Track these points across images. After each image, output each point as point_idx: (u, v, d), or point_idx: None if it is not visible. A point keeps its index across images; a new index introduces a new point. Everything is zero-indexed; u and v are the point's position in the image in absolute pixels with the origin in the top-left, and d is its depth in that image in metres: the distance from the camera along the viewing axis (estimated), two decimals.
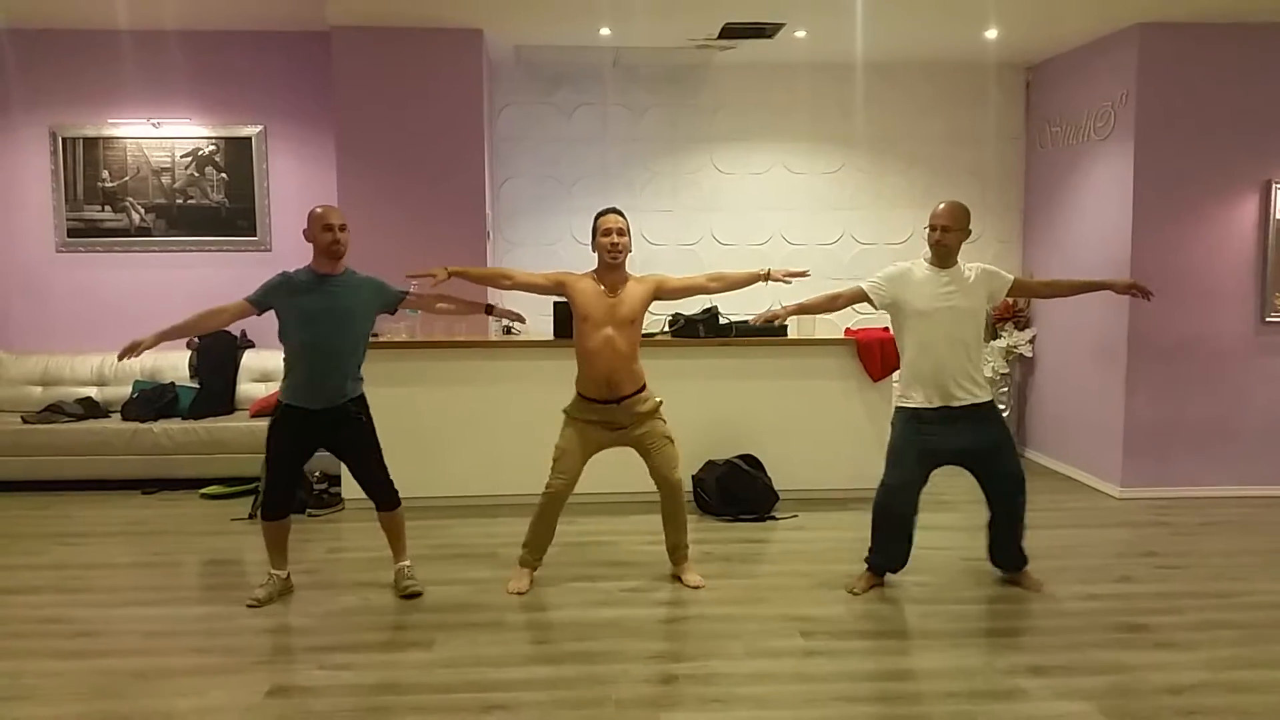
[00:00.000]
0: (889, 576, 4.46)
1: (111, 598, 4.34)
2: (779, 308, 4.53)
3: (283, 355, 4.23)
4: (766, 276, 4.53)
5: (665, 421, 4.42)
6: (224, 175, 6.93)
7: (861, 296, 4.35)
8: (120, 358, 4.01)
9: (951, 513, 5.49)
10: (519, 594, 4.31)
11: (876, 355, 5.86)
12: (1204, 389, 6.03)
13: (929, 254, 4.27)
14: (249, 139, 6.90)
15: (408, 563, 4.38)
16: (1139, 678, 3.48)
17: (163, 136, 6.86)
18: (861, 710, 3.23)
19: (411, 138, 6.26)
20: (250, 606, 4.13)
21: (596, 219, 4.36)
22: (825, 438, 5.91)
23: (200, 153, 6.90)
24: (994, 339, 7.16)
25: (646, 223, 7.17)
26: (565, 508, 4.35)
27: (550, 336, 5.84)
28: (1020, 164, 7.35)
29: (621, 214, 4.36)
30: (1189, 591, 4.40)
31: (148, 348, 4.01)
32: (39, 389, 6.59)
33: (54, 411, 6.30)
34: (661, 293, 4.45)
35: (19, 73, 6.74)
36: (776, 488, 5.68)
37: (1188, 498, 6.01)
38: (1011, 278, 4.36)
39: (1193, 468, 6.08)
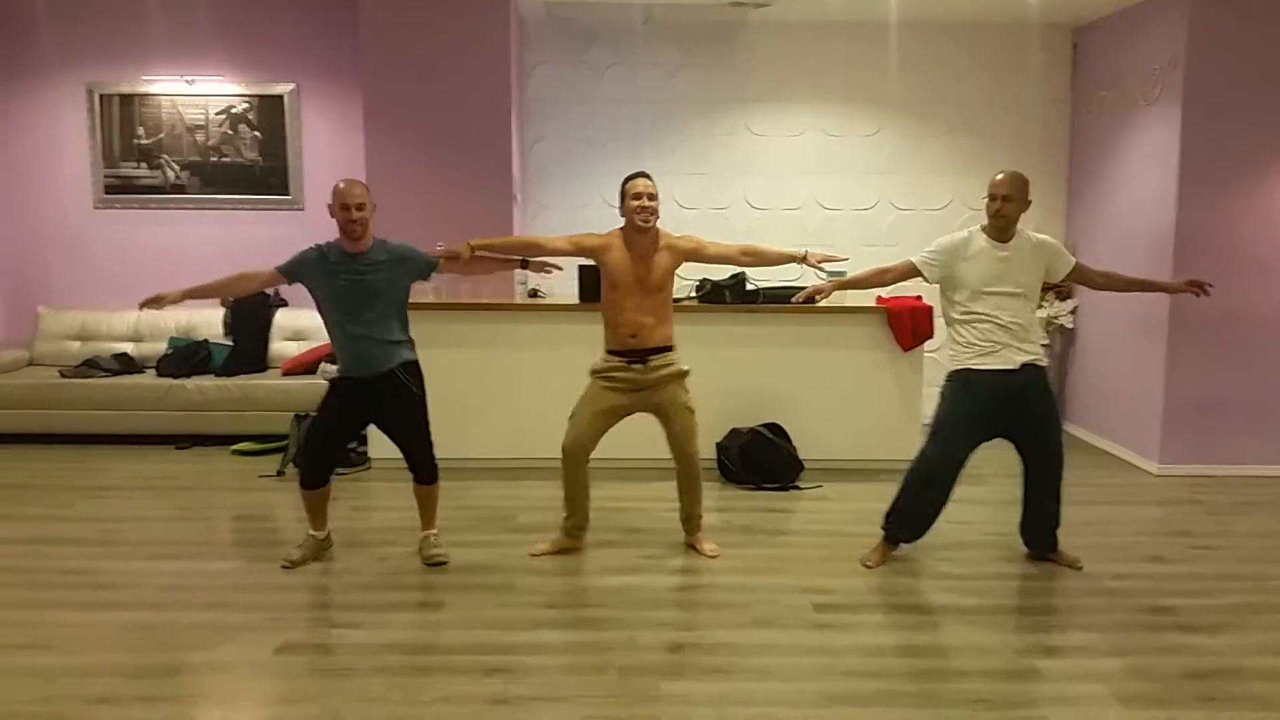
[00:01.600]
0: (911, 550, 4.39)
1: (136, 551, 4.42)
2: (823, 282, 4.43)
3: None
4: (803, 259, 4.40)
5: (689, 391, 4.35)
6: (257, 133, 6.95)
7: (913, 271, 4.22)
8: (141, 306, 4.06)
9: (979, 486, 5.38)
10: (533, 555, 4.33)
11: (907, 324, 5.75)
12: (1248, 364, 5.83)
13: (986, 224, 4.14)
14: (281, 97, 6.91)
15: (434, 531, 4.37)
16: (1159, 661, 3.39)
17: (197, 94, 6.90)
18: (867, 685, 3.18)
19: (439, 97, 6.20)
20: (284, 568, 4.16)
21: (625, 183, 4.28)
22: (853, 407, 5.82)
23: (234, 110, 6.93)
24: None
25: (678, 186, 7.07)
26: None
27: (576, 300, 5.78)
28: (1065, 129, 7.12)
29: (650, 178, 4.28)
30: (1220, 573, 4.28)
31: (171, 303, 4.05)
32: (77, 344, 6.73)
33: (90, 366, 6.40)
34: (694, 259, 4.41)
35: (55, 29, 6.80)
36: (802, 457, 5.62)
37: (1227, 476, 5.84)
38: (1074, 261, 4.23)
39: (1234, 445, 5.89)
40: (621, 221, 4.33)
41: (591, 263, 4.55)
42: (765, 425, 5.67)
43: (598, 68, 7.02)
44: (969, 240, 4.14)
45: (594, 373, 4.36)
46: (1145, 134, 6.11)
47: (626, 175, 4.32)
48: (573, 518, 4.41)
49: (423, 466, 4.29)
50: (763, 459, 5.50)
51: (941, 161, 7.12)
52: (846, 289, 4.52)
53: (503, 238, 4.57)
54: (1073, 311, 6.94)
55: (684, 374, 4.33)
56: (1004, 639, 3.56)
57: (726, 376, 5.73)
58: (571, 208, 7.06)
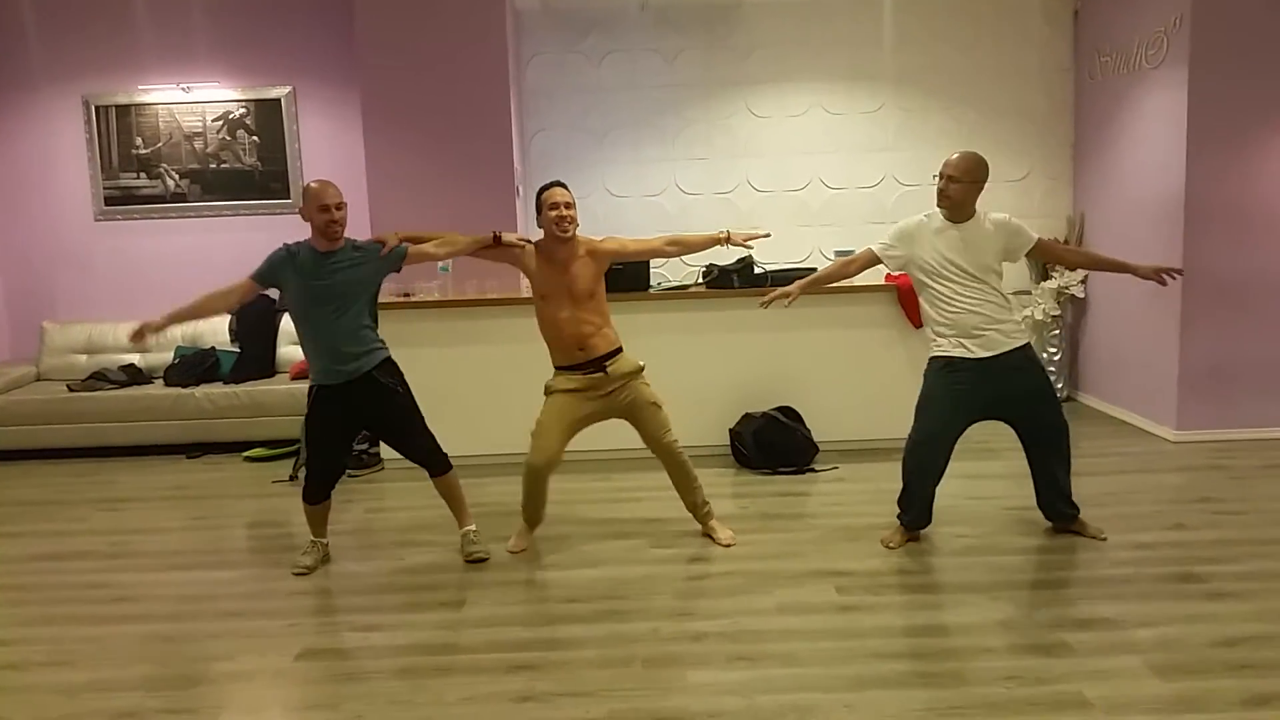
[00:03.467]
0: (931, 528, 4.35)
1: (152, 562, 4.39)
2: (792, 286, 4.36)
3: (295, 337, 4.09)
4: (726, 239, 4.36)
5: (650, 385, 4.30)
6: (255, 138, 6.92)
7: (874, 260, 4.18)
8: (130, 340, 3.97)
9: (995, 460, 5.34)
10: (513, 553, 4.32)
11: (917, 301, 5.67)
12: (1264, 326, 5.76)
13: (937, 205, 4.08)
14: (278, 100, 6.87)
15: (473, 527, 4.33)
16: (1189, 630, 3.34)
17: (193, 101, 6.86)
18: (895, 667, 3.15)
19: (437, 93, 6.16)
20: (298, 575, 4.14)
21: (540, 194, 4.20)
22: (866, 387, 5.77)
23: (231, 116, 6.89)
24: (1044, 280, 6.93)
25: (680, 172, 7.03)
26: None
27: None
28: (1069, 97, 7.05)
29: (566, 187, 4.22)
30: (1245, 539, 4.22)
31: (156, 330, 3.93)
32: (83, 357, 6.71)
33: (98, 379, 6.39)
34: (617, 260, 4.37)
35: (46, 43, 6.77)
36: (816, 439, 5.58)
37: (1247, 440, 5.78)
38: (1035, 238, 4.11)
39: (1252, 408, 5.83)
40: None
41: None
42: (778, 409, 5.63)
43: (595, 56, 6.97)
44: (925, 222, 4.09)
45: (551, 391, 4.26)
46: (1151, 97, 6.04)
47: (543, 185, 4.24)
48: (531, 517, 4.39)
49: (430, 459, 4.23)
50: (777, 443, 5.45)
51: (945, 136, 7.04)
52: (813, 287, 4.43)
53: (430, 232, 4.39)
54: (1083, 280, 6.88)
55: (641, 369, 4.29)
56: (1031, 614, 3.52)
57: (737, 361, 5.70)
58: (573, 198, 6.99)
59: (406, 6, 6.09)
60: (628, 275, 5.56)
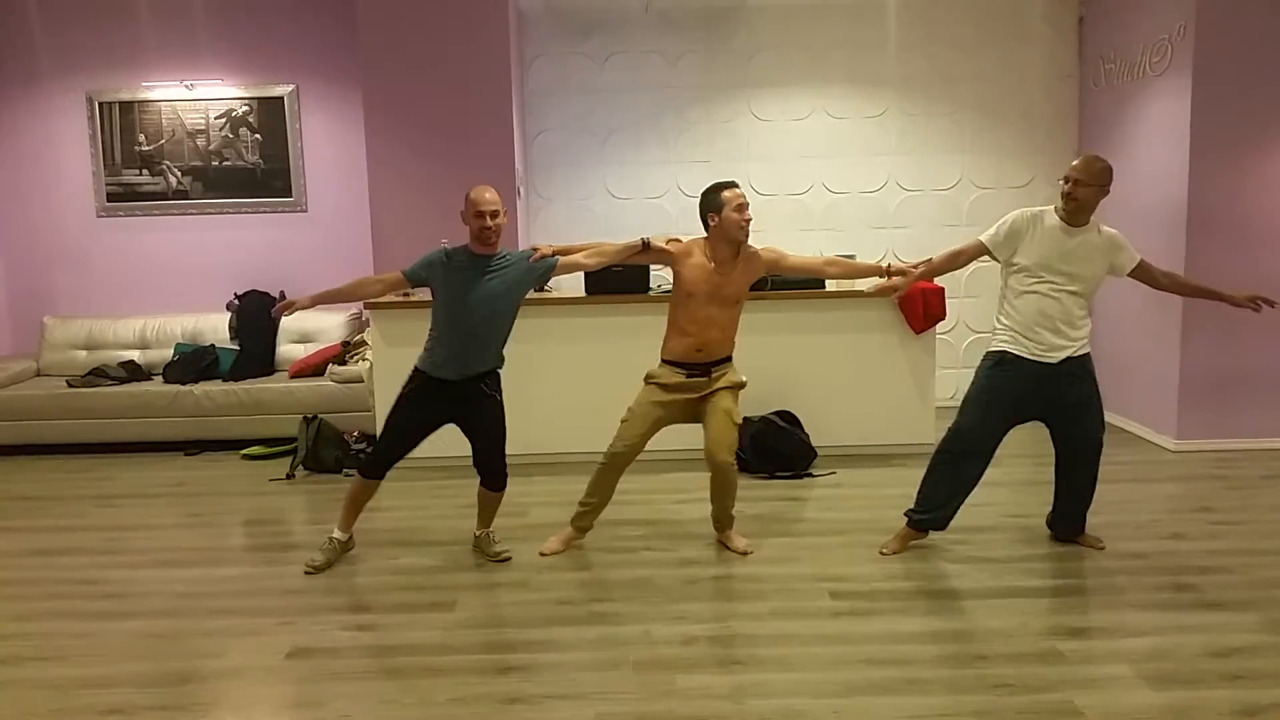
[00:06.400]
0: (926, 536, 4.33)
1: (146, 559, 4.39)
2: (899, 279, 4.30)
3: (430, 326, 4.12)
4: (886, 271, 4.30)
5: (738, 404, 4.23)
6: (258, 136, 6.92)
7: (983, 250, 4.11)
8: (274, 315, 4.12)
9: (995, 468, 5.23)
10: (544, 555, 4.27)
11: (919, 307, 5.67)
12: (1265, 337, 5.72)
13: (1061, 205, 4.00)
14: (281, 99, 6.87)
15: (492, 530, 4.34)
16: (1183, 640, 3.33)
17: (196, 98, 6.86)
18: (887, 673, 3.13)
19: (439, 93, 6.17)
20: (308, 572, 4.13)
21: (722, 191, 4.09)
22: (865, 392, 5.75)
23: (234, 114, 6.89)
24: None
25: (682, 175, 7.01)
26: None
27: (583, 294, 5.74)
28: (1074, 104, 7.02)
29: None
30: (1243, 549, 4.21)
31: (301, 309, 4.07)
32: (83, 353, 6.71)
33: (97, 375, 6.39)
34: (773, 271, 4.28)
35: (50, 38, 6.78)
36: (815, 444, 5.56)
37: (1247, 450, 5.76)
38: (1139, 258, 4.07)
39: (1253, 418, 5.81)
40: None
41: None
42: (777, 413, 5.62)
43: (598, 58, 6.96)
44: (1040, 216, 4.03)
45: (651, 380, 4.23)
46: (1155, 105, 6.02)
47: (717, 183, 4.15)
48: (590, 516, 4.35)
49: (494, 474, 4.24)
50: (775, 447, 5.44)
51: (949, 140, 7.03)
52: (923, 279, 4.42)
53: (587, 246, 4.33)
54: None
55: (740, 385, 4.24)
56: (1025, 622, 3.50)
57: (737, 364, 5.67)
58: (575, 199, 7.01)
59: (410, 6, 6.10)
60: (627, 276, 5.55)
